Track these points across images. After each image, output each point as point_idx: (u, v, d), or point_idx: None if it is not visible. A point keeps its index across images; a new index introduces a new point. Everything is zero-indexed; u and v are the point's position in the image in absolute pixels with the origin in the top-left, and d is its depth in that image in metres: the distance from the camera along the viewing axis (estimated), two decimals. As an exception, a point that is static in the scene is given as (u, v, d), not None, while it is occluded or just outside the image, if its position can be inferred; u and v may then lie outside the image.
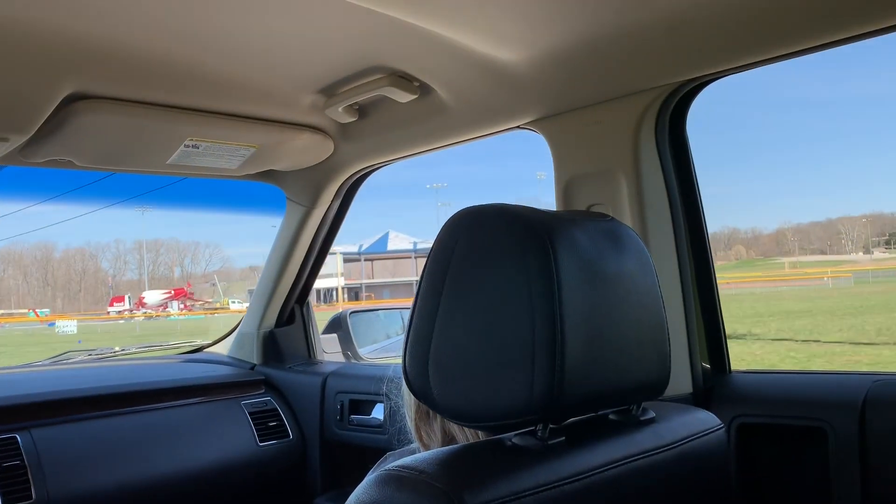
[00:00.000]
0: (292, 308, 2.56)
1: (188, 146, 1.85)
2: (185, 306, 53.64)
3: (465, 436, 1.06)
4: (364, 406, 2.27)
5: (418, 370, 0.91)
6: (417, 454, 0.88)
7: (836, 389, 1.34)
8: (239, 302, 48.47)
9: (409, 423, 1.21)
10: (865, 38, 1.20)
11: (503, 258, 0.88)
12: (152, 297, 54.75)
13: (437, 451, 0.86)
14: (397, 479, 0.79)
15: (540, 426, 0.89)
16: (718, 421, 1.11)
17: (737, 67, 1.33)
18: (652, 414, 1.04)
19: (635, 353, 0.97)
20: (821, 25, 1.18)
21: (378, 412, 2.23)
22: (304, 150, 1.99)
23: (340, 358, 2.77)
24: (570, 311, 0.86)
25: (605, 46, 1.31)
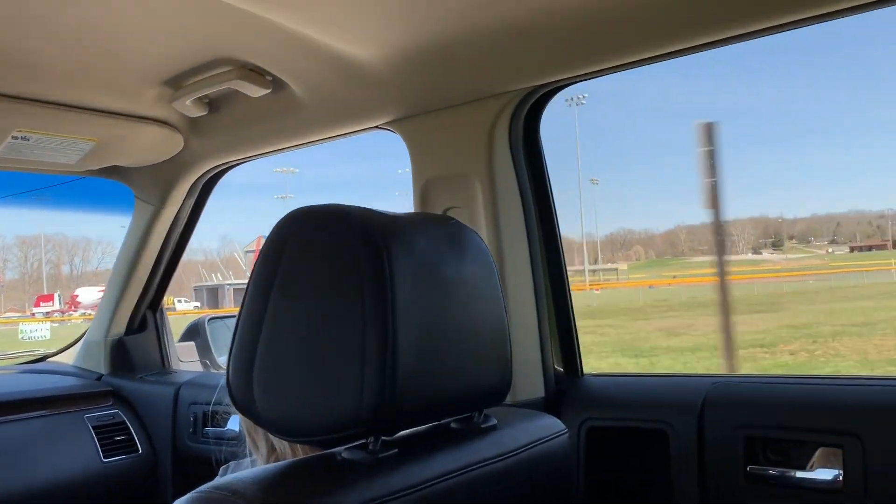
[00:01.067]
0: (144, 314, 2.41)
1: (17, 138, 1.69)
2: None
3: (293, 450, 1.00)
4: (219, 418, 2.16)
5: (242, 381, 0.85)
6: (242, 472, 0.82)
7: (678, 392, 1.38)
8: (186, 301, 43.98)
9: (242, 429, 1.15)
10: (720, 46, 1.23)
11: (335, 261, 0.84)
12: (88, 294, 47.18)
13: (258, 469, 0.81)
14: (209, 502, 0.73)
15: (371, 439, 0.85)
16: (562, 426, 1.11)
17: (588, 73, 1.35)
18: (494, 421, 1.02)
19: (475, 360, 0.95)
20: (673, 32, 1.20)
21: (234, 423, 2.13)
22: (151, 145, 1.87)
23: (199, 367, 2.64)
24: (404, 317, 0.83)
25: (459, 49, 1.30)
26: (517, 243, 1.49)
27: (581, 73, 1.35)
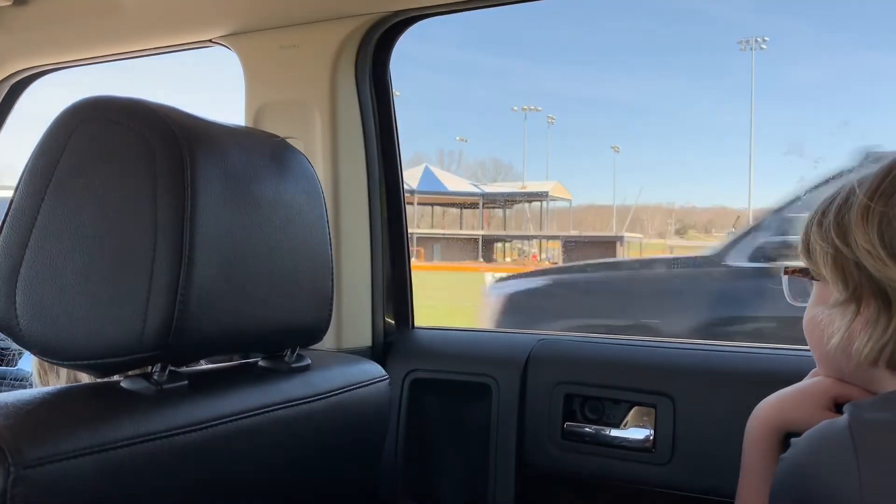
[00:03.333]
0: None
1: None
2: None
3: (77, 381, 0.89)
4: (9, 357, 1.93)
5: (2, 294, 0.72)
6: None
7: (505, 347, 1.37)
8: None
9: (32, 368, 1.01)
10: None
11: (127, 160, 0.73)
12: None
13: (11, 393, 0.69)
14: None
15: (157, 367, 0.75)
16: (382, 372, 1.06)
17: (444, 6, 1.29)
18: (307, 361, 0.95)
19: (289, 292, 0.87)
20: None
21: (26, 363, 1.91)
22: (-62, 34, 1.61)
23: None
24: (205, 232, 0.74)
25: None
26: (355, 183, 1.41)
27: (436, 5, 1.28)
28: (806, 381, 0.89)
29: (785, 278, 0.88)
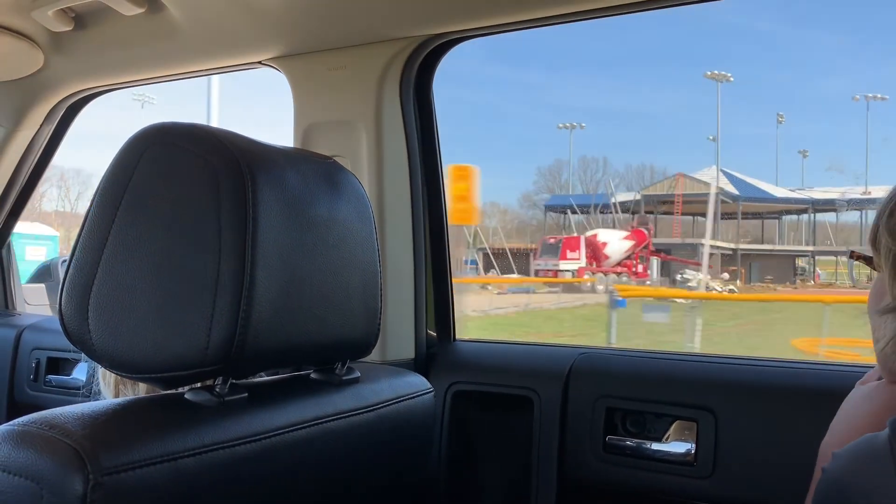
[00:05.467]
0: (-14, 249, 2.20)
1: None
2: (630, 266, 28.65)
3: (138, 394, 0.93)
4: (65, 365, 2.01)
5: (76, 307, 0.77)
6: (67, 406, 0.74)
7: (546, 361, 1.39)
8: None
9: (102, 383, 1.05)
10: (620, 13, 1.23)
11: (193, 183, 0.77)
12: (613, 243, 28.94)
13: (86, 404, 0.73)
14: (21, 436, 0.65)
15: (219, 380, 0.79)
16: (428, 385, 1.09)
17: (487, 28, 1.32)
18: (357, 374, 0.98)
19: (341, 308, 0.91)
20: None
21: (81, 372, 1.98)
22: (4, 59, 1.69)
23: (48, 312, 2.45)
24: (266, 250, 0.77)
25: None
26: (400, 199, 1.45)
27: (480, 27, 1.32)
28: (873, 399, 0.85)
29: (850, 262, 0.87)
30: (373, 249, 0.96)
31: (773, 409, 1.17)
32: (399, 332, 1.45)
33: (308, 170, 0.90)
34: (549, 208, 42.60)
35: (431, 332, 1.54)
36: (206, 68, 1.63)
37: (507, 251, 31.54)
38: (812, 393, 1.15)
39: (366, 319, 0.95)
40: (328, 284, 0.88)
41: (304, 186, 0.86)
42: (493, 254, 31.02)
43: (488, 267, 30.18)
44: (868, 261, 0.82)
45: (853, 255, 0.85)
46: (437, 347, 1.51)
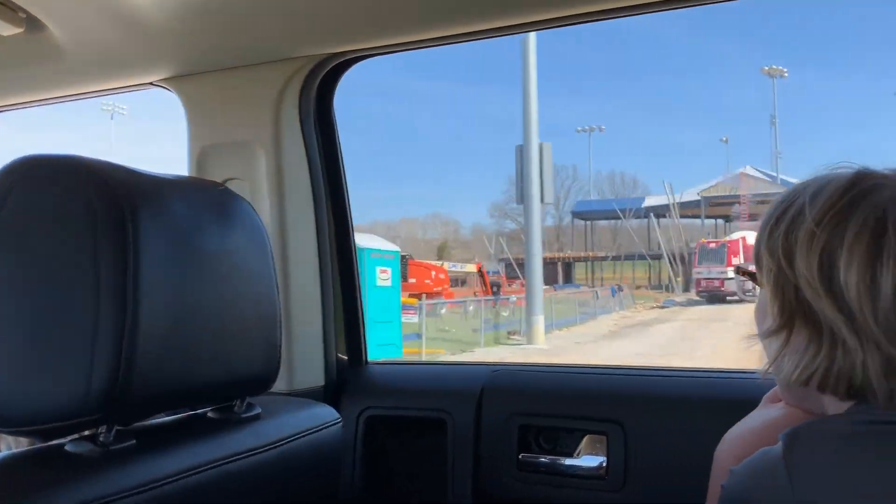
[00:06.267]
0: None
1: None
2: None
3: (18, 446, 0.87)
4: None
5: None
6: None
7: (459, 380, 1.39)
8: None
9: None
10: (527, 30, 1.24)
11: (68, 221, 0.73)
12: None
13: None
14: None
15: (103, 429, 0.75)
16: (336, 415, 1.07)
17: (386, 46, 1.31)
18: (258, 410, 0.95)
19: (237, 342, 0.88)
20: (477, 11, 1.18)
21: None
22: None
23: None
24: (149, 290, 0.74)
25: (243, 5, 1.20)
26: (303, 221, 1.42)
27: (378, 46, 1.31)
28: (771, 412, 0.88)
29: (737, 277, 0.89)
30: (269, 279, 0.93)
31: (681, 419, 1.19)
32: (308, 359, 1.42)
33: (197, 199, 0.86)
34: (577, 215, 41.03)
35: (343, 356, 1.51)
36: (94, 90, 1.55)
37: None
38: (719, 402, 1.18)
39: (264, 352, 0.92)
40: (221, 319, 0.85)
41: (193, 217, 0.83)
42: (517, 263, 29.35)
43: (512, 277, 28.77)
44: (752, 277, 0.83)
45: (738, 272, 0.88)
46: (348, 372, 1.49)
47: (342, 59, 1.36)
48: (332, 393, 1.43)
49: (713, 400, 1.19)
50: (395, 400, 1.41)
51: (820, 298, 0.69)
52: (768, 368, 0.78)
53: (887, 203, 0.68)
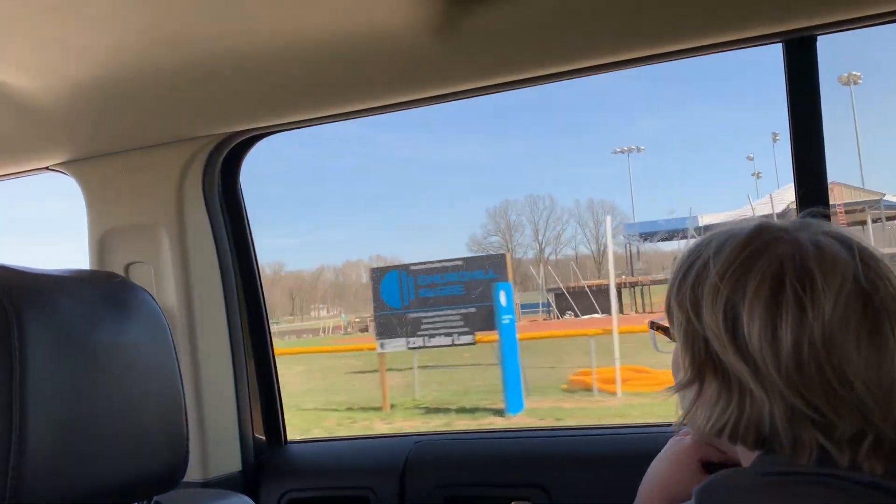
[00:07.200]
0: None
1: None
2: None
3: None
4: None
5: None
6: None
7: (382, 454, 1.38)
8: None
9: None
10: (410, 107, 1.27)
11: None
12: None
13: None
14: None
15: None
16: None
17: (287, 124, 1.33)
18: None
19: (137, 442, 0.85)
20: (362, 91, 1.22)
21: None
22: None
23: None
24: (37, 397, 0.72)
25: (142, 88, 1.20)
26: (212, 301, 1.40)
27: (280, 123, 1.32)
28: (670, 450, 0.92)
29: (651, 331, 0.90)
30: (172, 371, 0.91)
31: (602, 477, 1.21)
32: (223, 445, 1.38)
33: (87, 294, 0.85)
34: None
35: (260, 436, 1.48)
36: None
37: (587, 290, 28.31)
38: (638, 456, 1.20)
39: (169, 448, 0.90)
40: (118, 421, 0.82)
41: (83, 314, 0.81)
42: (570, 293, 27.73)
43: (564, 309, 27.23)
44: (666, 331, 0.85)
45: (653, 326, 0.90)
46: (267, 454, 1.46)
47: (245, 137, 1.37)
48: (250, 478, 1.40)
49: (632, 455, 1.21)
50: (318, 480, 1.39)
51: (726, 350, 0.71)
52: (683, 421, 0.80)
53: (783, 257, 0.70)
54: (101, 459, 0.79)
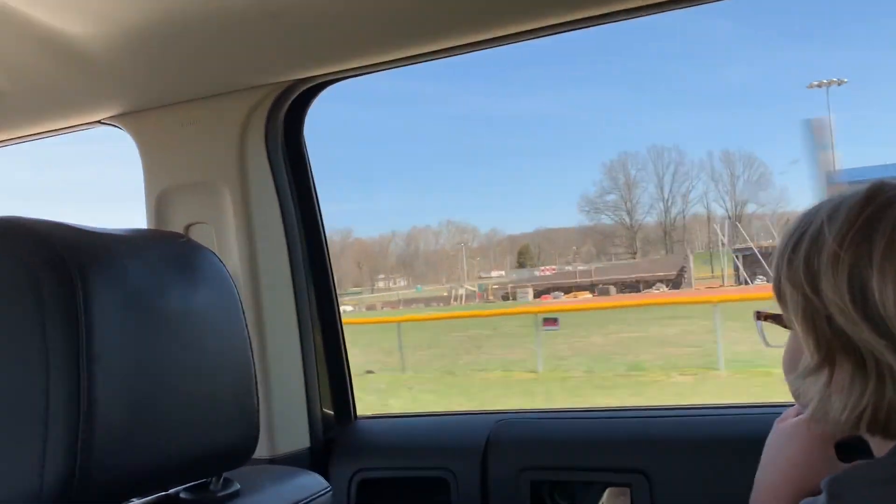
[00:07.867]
0: None
1: None
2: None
3: None
4: None
5: None
6: None
7: (460, 433, 1.29)
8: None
9: None
10: (493, 45, 1.16)
11: (9, 290, 0.66)
12: None
13: None
14: None
15: None
16: (324, 483, 0.97)
17: (355, 69, 1.23)
18: (236, 486, 0.86)
19: (209, 413, 0.80)
20: (437, 30, 1.12)
21: None
22: None
23: None
24: (106, 364, 0.66)
25: (201, 31, 1.12)
26: (278, 267, 1.32)
27: (349, 68, 1.22)
28: (795, 433, 0.83)
29: (758, 323, 0.82)
30: (242, 339, 0.84)
31: (711, 463, 1.11)
32: (291, 421, 1.31)
33: (155, 255, 0.78)
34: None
35: (329, 412, 1.40)
36: (35, 132, 1.45)
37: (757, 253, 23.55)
38: (741, 439, 1.10)
39: (241, 421, 0.84)
40: (189, 389, 0.76)
41: (151, 277, 0.75)
42: (762, 253, 22.89)
43: (754, 273, 23.01)
44: (777, 319, 0.77)
45: (760, 317, 0.81)
46: (336, 430, 1.38)
47: (310, 85, 1.27)
48: (319, 456, 1.33)
49: (741, 438, 1.11)
50: (391, 459, 1.31)
51: (857, 325, 0.64)
52: (814, 412, 0.70)
53: None
54: (172, 431, 0.74)
